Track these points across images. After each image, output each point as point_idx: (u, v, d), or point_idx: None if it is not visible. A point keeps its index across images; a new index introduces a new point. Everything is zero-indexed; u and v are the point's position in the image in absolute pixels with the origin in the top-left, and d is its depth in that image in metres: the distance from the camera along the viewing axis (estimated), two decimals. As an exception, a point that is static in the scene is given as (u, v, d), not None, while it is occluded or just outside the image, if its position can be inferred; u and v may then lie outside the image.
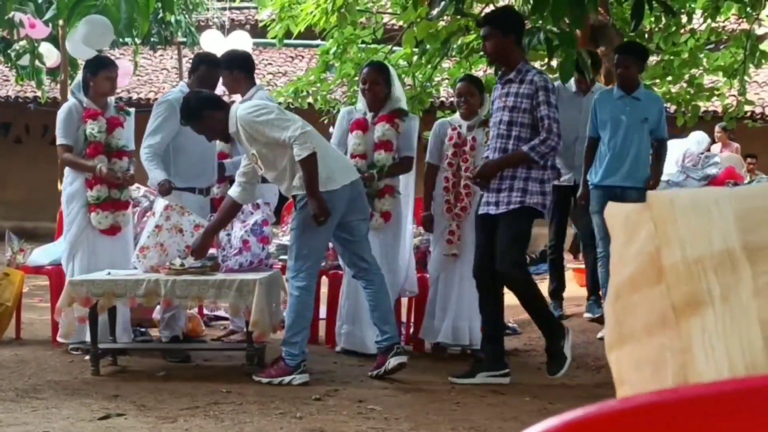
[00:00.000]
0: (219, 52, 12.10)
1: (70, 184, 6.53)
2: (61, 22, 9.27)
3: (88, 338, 5.95)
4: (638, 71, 7.06)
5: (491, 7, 9.15)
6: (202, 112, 5.62)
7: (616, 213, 1.19)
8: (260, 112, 5.53)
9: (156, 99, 17.72)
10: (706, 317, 1.07)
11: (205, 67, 6.56)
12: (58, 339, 6.54)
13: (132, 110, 6.72)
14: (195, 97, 5.76)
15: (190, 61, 6.97)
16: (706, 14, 10.13)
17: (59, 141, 6.47)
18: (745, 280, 1.07)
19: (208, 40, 12.37)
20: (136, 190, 7.11)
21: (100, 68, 6.47)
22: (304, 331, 5.65)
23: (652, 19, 9.69)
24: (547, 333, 5.64)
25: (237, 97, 6.75)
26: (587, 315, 7.72)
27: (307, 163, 5.40)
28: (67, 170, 6.59)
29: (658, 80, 11.06)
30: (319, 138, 5.67)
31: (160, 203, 6.10)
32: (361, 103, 6.56)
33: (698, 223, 1.10)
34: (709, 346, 1.06)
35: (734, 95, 12.26)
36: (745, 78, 11.31)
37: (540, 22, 7.08)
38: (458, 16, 8.08)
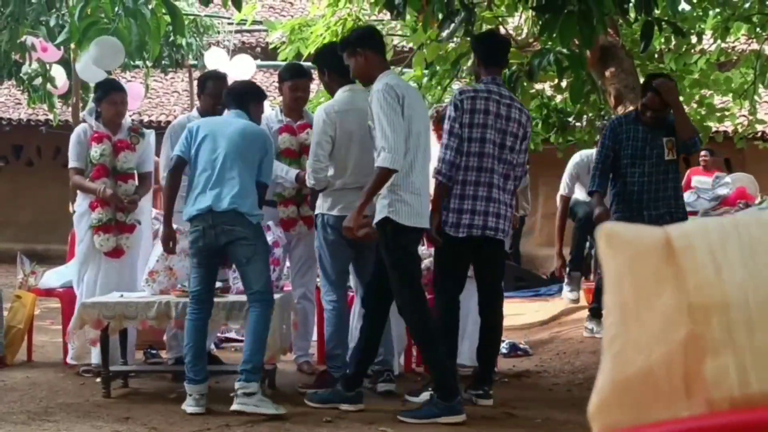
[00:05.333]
0: (222, 70, 12.15)
1: (79, 205, 6.59)
2: (72, 45, 9.32)
3: (95, 360, 5.98)
4: None
5: (501, 28, 9.17)
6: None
7: (619, 245, 0.87)
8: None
9: (168, 121, 17.86)
10: None
11: (213, 82, 6.61)
12: (69, 361, 6.57)
13: (149, 132, 6.76)
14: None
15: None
16: (716, 35, 10.13)
17: (70, 164, 6.57)
18: None
19: (213, 59, 12.43)
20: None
21: (105, 94, 6.59)
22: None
23: (662, 39, 9.70)
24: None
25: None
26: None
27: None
28: (78, 192, 6.66)
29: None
30: None
31: None
32: None
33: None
34: None
35: (745, 115, 12.26)
36: (756, 98, 11.31)
37: (549, 43, 7.11)
38: (468, 38, 8.09)
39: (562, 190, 8.38)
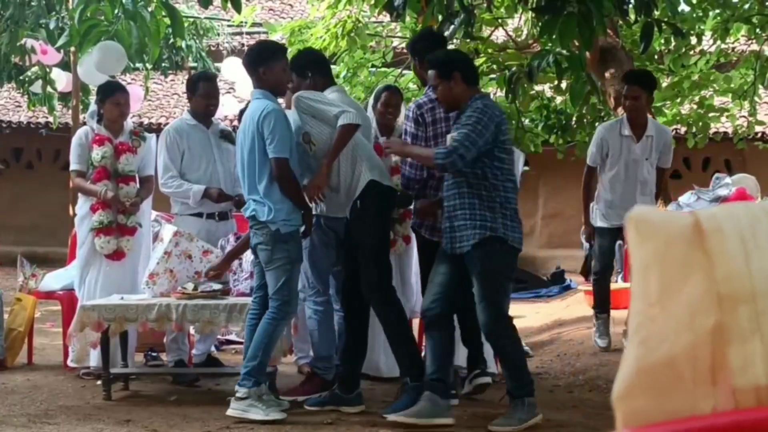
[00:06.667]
0: (240, 78, 12.11)
1: (80, 208, 6.59)
2: (72, 47, 9.33)
3: (96, 362, 5.98)
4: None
5: (500, 30, 9.20)
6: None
7: (648, 232, 0.86)
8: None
9: (167, 123, 17.85)
10: None
11: (203, 83, 6.61)
12: (69, 363, 6.57)
13: (150, 136, 6.76)
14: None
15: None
16: (715, 36, 10.14)
17: (71, 167, 6.57)
18: None
19: (230, 68, 12.40)
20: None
21: (107, 95, 6.57)
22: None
23: (662, 41, 9.71)
24: None
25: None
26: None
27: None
28: (80, 195, 6.66)
29: (668, 102, 11.07)
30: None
31: (168, 229, 6.12)
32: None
33: None
34: None
35: (744, 116, 12.27)
36: (755, 99, 11.32)
37: (549, 44, 7.11)
38: (467, 40, 8.11)
39: (589, 160, 7.50)
